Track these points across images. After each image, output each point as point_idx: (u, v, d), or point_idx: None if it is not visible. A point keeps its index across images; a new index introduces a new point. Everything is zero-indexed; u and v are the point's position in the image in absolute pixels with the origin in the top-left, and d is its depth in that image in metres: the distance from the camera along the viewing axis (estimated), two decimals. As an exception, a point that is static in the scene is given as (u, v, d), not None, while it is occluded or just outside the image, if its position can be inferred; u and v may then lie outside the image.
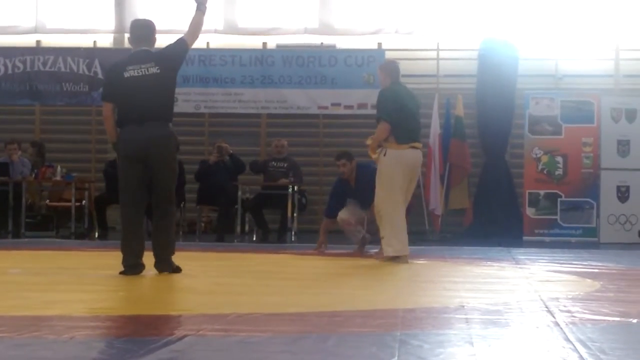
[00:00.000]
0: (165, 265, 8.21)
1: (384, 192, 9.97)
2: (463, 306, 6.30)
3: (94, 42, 17.57)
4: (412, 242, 14.22)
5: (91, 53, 17.35)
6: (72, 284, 7.67)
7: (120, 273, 8.04)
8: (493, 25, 17.21)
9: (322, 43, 17.75)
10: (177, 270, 8.24)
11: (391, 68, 10.53)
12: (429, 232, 15.95)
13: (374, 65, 16.98)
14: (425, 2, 17.53)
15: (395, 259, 9.89)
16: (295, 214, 14.82)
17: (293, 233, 14.72)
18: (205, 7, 8.82)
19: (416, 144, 10.19)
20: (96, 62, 17.05)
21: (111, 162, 15.22)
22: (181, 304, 6.74)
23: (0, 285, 7.43)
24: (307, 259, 11.12)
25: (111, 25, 17.72)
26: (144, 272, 8.13)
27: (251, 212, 15.22)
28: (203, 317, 5.76)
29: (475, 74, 17.17)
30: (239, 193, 14.91)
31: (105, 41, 17.71)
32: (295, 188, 14.83)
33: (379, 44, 17.42)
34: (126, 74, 8.23)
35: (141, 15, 17.48)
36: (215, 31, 17.68)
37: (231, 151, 15.20)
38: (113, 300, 6.82)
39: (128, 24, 16.97)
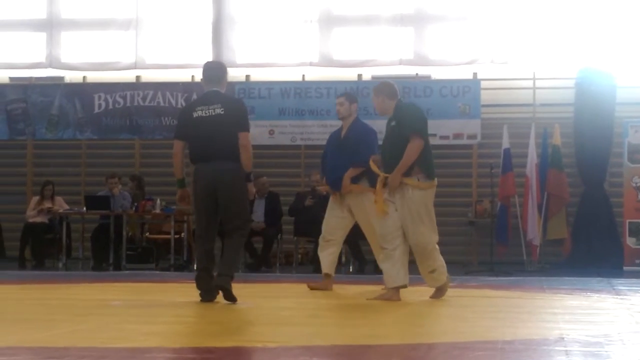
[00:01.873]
0: (221, 281, 8.44)
1: (426, 226, 9.26)
2: (563, 338, 6.23)
3: (192, 76, 17.84)
4: (509, 272, 14.19)
5: (189, 87, 17.63)
6: (171, 315, 7.76)
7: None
8: (590, 53, 17.06)
9: (417, 74, 17.77)
10: (231, 298, 8.40)
11: (388, 88, 9.32)
12: (527, 262, 15.78)
13: (470, 96, 16.99)
14: (521, 31, 17.45)
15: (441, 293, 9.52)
16: (391, 245, 14.75)
17: (389, 264, 14.65)
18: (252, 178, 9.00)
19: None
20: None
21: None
22: (278, 336, 6.76)
23: (101, 318, 7.56)
24: (403, 290, 11.07)
25: (209, 59, 17.95)
26: (237, 304, 8.33)
27: (348, 243, 15.21)
28: (299, 349, 5.78)
29: (573, 103, 17.02)
30: (336, 224, 14.92)
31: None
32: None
33: (474, 74, 17.37)
34: (195, 114, 8.67)
35: (238, 49, 17.83)
36: (311, 64, 17.85)
37: (325, 193, 15.13)
38: (211, 333, 6.88)
39: (226, 59, 17.40)
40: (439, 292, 9.48)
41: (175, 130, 9.15)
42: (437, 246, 9.39)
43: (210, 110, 8.65)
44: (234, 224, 8.66)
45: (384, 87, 9.34)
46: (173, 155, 8.85)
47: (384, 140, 9.39)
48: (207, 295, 8.55)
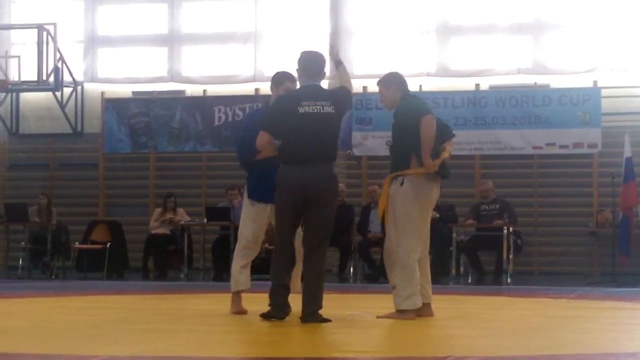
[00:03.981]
0: (311, 317, 7.68)
1: (399, 231, 8.09)
2: (687, 351, 6.12)
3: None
4: (632, 283, 13.90)
5: (307, 99, 17.76)
6: (284, 326, 7.76)
7: (263, 315, 7.83)
8: None
9: (535, 83, 17.61)
10: (326, 321, 7.66)
11: (398, 79, 8.46)
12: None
13: (590, 104, 16.76)
14: (642, 38, 17.17)
15: (405, 314, 8.04)
16: (510, 256, 14.68)
17: (509, 275, 14.58)
18: (342, 61, 8.36)
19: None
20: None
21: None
22: (398, 347, 6.77)
23: (222, 328, 7.64)
24: (524, 301, 10.99)
25: (327, 70, 18.03)
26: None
27: (466, 253, 15.17)
28: (419, 359, 5.78)
29: (695, 109, 16.66)
30: (454, 235, 14.90)
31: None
32: (510, 229, 14.70)
33: (595, 82, 17.13)
34: (301, 110, 7.77)
35: (356, 61, 17.89)
36: (428, 74, 17.85)
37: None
38: (333, 342, 6.91)
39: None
40: (394, 315, 8.09)
41: (265, 121, 7.95)
42: (409, 262, 8.01)
43: (319, 107, 7.79)
44: (316, 238, 7.79)
45: (394, 78, 8.49)
46: (262, 147, 7.89)
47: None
48: (280, 312, 7.79)
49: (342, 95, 8.04)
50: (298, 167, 7.71)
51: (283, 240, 7.85)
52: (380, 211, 8.33)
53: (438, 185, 8.33)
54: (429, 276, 8.34)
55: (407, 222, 8.04)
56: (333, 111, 7.82)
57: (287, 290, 7.85)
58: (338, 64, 8.34)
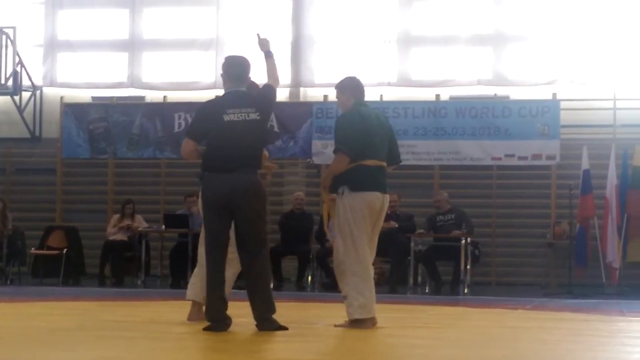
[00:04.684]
0: (267, 324, 7.65)
1: (345, 241, 8.07)
2: (642, 363, 6.15)
3: (270, 96, 17.97)
4: (588, 295, 14.02)
5: (267, 107, 17.73)
6: (238, 333, 7.74)
7: (205, 329, 7.59)
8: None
9: (495, 94, 17.69)
10: (282, 328, 7.63)
11: (353, 85, 8.37)
12: (606, 285, 15.56)
13: (549, 116, 16.88)
14: (601, 51, 17.29)
15: (362, 323, 8.04)
16: (468, 266, 14.73)
17: (466, 285, 14.63)
18: (272, 52, 8.38)
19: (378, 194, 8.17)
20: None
21: (286, 214, 15.51)
22: (355, 356, 6.76)
23: (179, 336, 7.60)
24: (481, 312, 11.02)
25: (287, 79, 18.09)
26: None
27: (424, 263, 15.20)
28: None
29: (654, 123, 16.80)
30: (412, 245, 14.93)
31: (281, 95, 18.05)
32: (468, 240, 14.75)
33: (554, 94, 17.23)
34: (226, 118, 7.69)
35: (317, 70, 17.91)
36: (389, 84, 17.90)
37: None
38: (292, 350, 6.90)
39: (304, 78, 17.54)
40: (350, 324, 8.10)
41: (191, 128, 8.01)
42: (358, 271, 8.02)
43: (244, 114, 7.71)
44: (250, 243, 7.70)
45: (351, 83, 8.40)
46: (186, 155, 7.86)
47: None
48: (221, 325, 7.62)
49: (267, 99, 8.01)
50: (223, 175, 7.63)
51: (215, 251, 7.73)
52: (326, 220, 8.40)
53: (383, 196, 8.22)
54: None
55: (350, 232, 8.03)
56: (258, 117, 7.75)
57: (225, 303, 7.69)
58: (268, 55, 8.36)
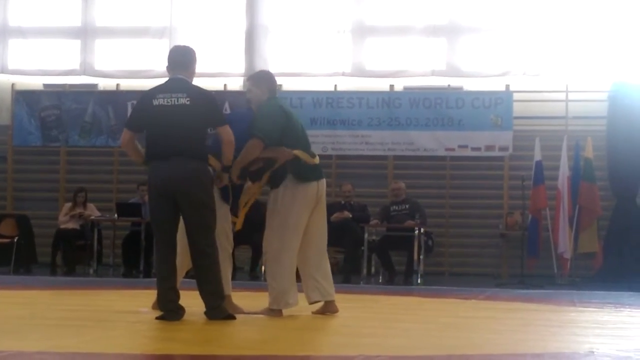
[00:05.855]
0: (216, 313, 7.63)
1: (273, 231, 8.11)
2: (592, 352, 6.20)
3: (224, 85, 17.92)
4: (540, 285, 14.12)
5: (222, 96, 17.64)
6: (196, 323, 7.72)
7: (157, 318, 7.56)
8: (623, 67, 16.98)
9: (449, 85, 17.75)
10: (230, 317, 7.64)
11: (269, 79, 8.35)
12: (558, 275, 15.71)
13: (502, 107, 16.96)
14: (554, 43, 17.40)
15: (273, 312, 8.11)
16: (421, 256, 14.78)
17: (420, 275, 14.67)
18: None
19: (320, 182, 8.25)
20: (226, 105, 17.34)
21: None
22: (307, 345, 6.77)
23: (131, 325, 7.56)
24: (434, 301, 11.07)
25: (241, 68, 18.03)
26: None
27: (377, 253, 15.22)
28: (327, 358, 5.78)
29: (605, 116, 16.93)
30: (365, 235, 14.95)
31: (236, 84, 18.01)
32: (421, 230, 14.80)
33: (507, 86, 17.33)
34: (155, 102, 7.61)
35: (271, 59, 17.85)
36: (343, 74, 17.88)
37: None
38: (245, 340, 6.89)
39: (258, 67, 17.46)
40: (263, 311, 8.16)
41: (128, 118, 8.05)
42: (280, 261, 8.03)
43: (173, 99, 7.57)
44: (197, 239, 7.60)
45: (266, 76, 8.42)
46: (123, 146, 7.89)
47: None
48: (174, 315, 7.54)
49: (209, 96, 7.85)
50: (160, 163, 7.58)
51: (161, 240, 7.67)
52: (242, 212, 8.34)
53: (319, 184, 8.23)
54: (328, 273, 8.38)
55: (279, 222, 8.04)
56: (188, 102, 7.58)
57: (176, 293, 7.63)
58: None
